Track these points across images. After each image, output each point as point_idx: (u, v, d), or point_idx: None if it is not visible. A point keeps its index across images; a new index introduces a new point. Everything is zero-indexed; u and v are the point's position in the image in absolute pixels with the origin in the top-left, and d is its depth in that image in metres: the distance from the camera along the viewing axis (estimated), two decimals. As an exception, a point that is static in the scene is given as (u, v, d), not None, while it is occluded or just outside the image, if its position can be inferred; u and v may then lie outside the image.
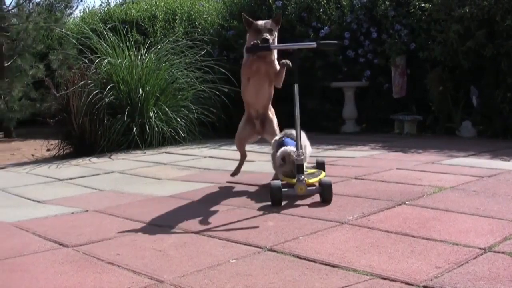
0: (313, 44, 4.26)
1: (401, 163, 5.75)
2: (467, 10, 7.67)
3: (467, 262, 2.71)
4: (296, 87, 4.17)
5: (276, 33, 4.60)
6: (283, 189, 4.07)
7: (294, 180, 4.17)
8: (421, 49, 8.41)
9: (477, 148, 6.64)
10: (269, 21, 4.59)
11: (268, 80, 4.73)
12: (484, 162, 5.70)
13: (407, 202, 3.97)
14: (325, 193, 4.08)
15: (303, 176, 4.13)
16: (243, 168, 5.15)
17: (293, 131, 4.33)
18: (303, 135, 4.42)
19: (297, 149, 4.15)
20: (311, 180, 4.27)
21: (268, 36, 4.44)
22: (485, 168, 5.32)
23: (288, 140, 4.49)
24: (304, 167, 4.29)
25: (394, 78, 8.77)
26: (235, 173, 5.14)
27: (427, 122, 8.57)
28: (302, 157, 4.14)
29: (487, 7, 7.57)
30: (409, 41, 8.61)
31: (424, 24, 8.43)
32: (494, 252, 2.85)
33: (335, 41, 4.67)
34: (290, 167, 4.29)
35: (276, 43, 4.62)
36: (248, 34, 4.71)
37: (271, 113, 4.95)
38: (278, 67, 4.66)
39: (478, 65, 7.95)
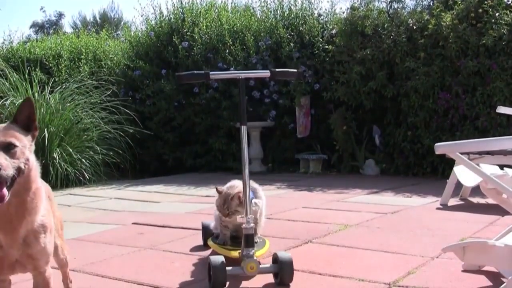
0: (267, 73, 3.26)
1: (307, 202, 5.83)
2: (368, 52, 7.93)
3: (372, 298, 2.77)
4: (244, 129, 3.16)
5: (28, 144, 2.04)
6: (227, 268, 2.92)
7: (233, 253, 3.29)
8: (325, 90, 8.61)
9: (380, 186, 6.81)
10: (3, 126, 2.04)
11: None
12: (387, 199, 5.86)
13: (313, 240, 4.02)
14: (285, 273, 2.96)
15: (253, 251, 3.03)
16: (149, 209, 4.95)
17: (250, 184, 3.27)
18: (259, 190, 3.69)
19: (245, 212, 3.07)
20: (258, 253, 3.19)
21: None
22: (388, 205, 5.47)
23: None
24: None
25: (299, 118, 8.92)
26: None
27: (332, 161, 8.75)
28: (251, 224, 3.06)
29: (387, 49, 7.85)
30: (313, 82, 8.79)
31: (327, 65, 8.64)
32: (399, 286, 2.91)
33: (294, 70, 3.49)
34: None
35: (29, 156, 2.03)
36: None
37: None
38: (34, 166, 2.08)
39: (380, 105, 8.20)
